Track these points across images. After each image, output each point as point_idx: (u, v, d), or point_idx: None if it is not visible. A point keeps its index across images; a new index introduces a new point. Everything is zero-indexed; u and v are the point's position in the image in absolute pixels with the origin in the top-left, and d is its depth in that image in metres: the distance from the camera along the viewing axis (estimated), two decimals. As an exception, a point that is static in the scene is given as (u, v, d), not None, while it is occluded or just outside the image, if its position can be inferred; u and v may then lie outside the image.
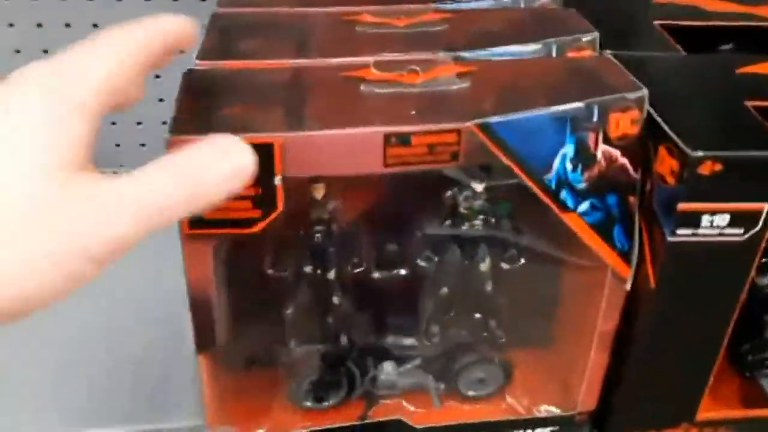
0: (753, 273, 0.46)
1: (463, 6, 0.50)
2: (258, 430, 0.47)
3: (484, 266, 0.44)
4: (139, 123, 0.76)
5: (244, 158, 0.31)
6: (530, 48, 0.43)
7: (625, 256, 0.41)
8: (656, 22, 0.51)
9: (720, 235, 0.37)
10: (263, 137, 0.35)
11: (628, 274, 0.42)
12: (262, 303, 0.46)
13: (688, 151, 0.34)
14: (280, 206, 0.37)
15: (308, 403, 0.48)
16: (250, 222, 0.37)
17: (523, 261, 0.45)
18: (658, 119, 0.37)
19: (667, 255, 0.38)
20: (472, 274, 0.45)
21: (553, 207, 0.39)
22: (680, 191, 0.35)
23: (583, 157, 0.38)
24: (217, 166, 0.30)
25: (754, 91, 0.41)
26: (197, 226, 0.37)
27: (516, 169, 0.38)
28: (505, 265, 0.45)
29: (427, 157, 0.37)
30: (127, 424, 0.52)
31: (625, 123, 0.38)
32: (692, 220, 0.36)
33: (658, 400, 0.47)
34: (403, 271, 0.46)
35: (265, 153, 0.34)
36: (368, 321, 0.48)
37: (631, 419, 0.48)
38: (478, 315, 0.47)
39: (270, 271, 0.45)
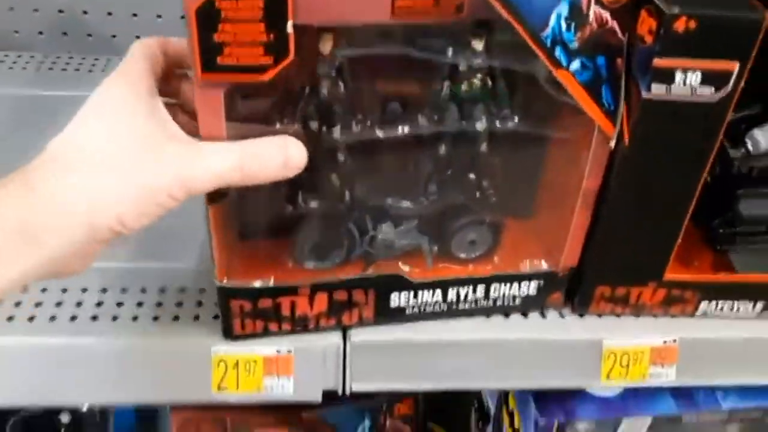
0: (727, 145, 0.51)
1: None
2: (265, 279, 0.50)
3: (480, 125, 0.48)
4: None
5: (293, 155, 0.42)
6: None
7: (611, 115, 0.45)
8: None
9: (692, 94, 0.41)
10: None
11: (613, 131, 0.45)
12: None
13: (665, 8, 0.38)
14: (292, 54, 0.39)
15: (311, 263, 0.52)
16: (262, 69, 0.39)
17: (516, 120, 0.48)
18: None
19: (642, 112, 0.42)
20: (468, 134, 0.49)
21: (548, 64, 0.42)
22: (656, 48, 0.39)
23: (576, 16, 0.42)
24: (272, 160, 0.42)
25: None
26: (210, 69, 0.38)
27: (515, 24, 0.41)
28: (498, 124, 0.48)
29: (433, 9, 0.41)
30: (133, 261, 0.57)
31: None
32: (666, 76, 0.40)
33: (629, 258, 0.52)
34: (405, 129, 0.48)
35: (276, -1, 0.36)
36: (370, 181, 0.51)
37: (603, 275, 0.53)
38: (472, 175, 0.51)
39: (277, 125, 0.46)
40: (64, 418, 0.77)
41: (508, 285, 0.54)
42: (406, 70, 0.48)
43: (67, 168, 0.38)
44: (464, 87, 0.48)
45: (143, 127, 0.39)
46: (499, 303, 0.55)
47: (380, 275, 0.52)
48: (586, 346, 0.55)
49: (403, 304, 0.53)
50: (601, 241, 0.51)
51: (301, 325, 0.52)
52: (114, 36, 0.75)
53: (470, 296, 0.54)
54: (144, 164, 0.38)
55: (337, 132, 0.47)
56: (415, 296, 0.53)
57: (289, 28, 0.39)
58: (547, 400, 0.58)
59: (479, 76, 0.47)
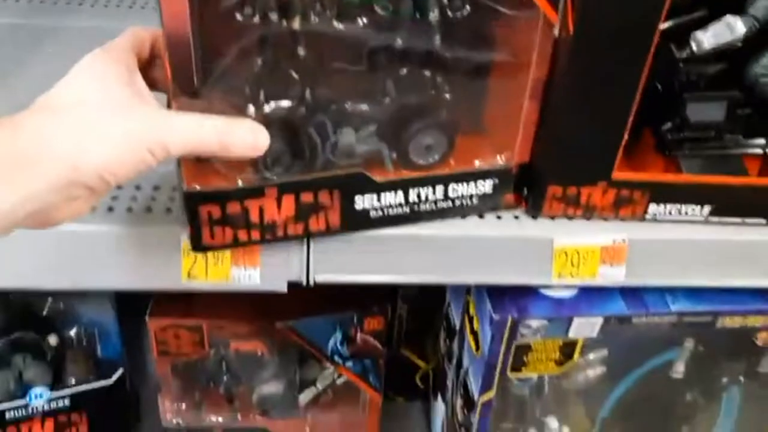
0: (673, 47, 0.53)
1: None
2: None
3: (433, 16, 0.50)
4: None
5: (261, 139, 0.47)
6: None
7: (555, 3, 0.48)
8: None
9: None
10: None
11: (556, 18, 0.48)
12: (234, 52, 0.48)
13: None
14: None
15: (274, 174, 0.52)
16: None
17: (467, 9, 0.50)
18: None
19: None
20: (422, 26, 0.51)
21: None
22: None
23: None
24: (244, 138, 0.46)
25: None
26: None
27: None
28: (450, 14, 0.51)
29: None
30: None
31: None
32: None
33: (576, 155, 0.54)
34: (363, 20, 0.49)
35: None
36: (328, 81, 0.51)
37: (553, 173, 0.56)
38: (427, 72, 0.53)
39: (239, 17, 0.47)
40: (52, 340, 0.80)
41: (465, 184, 0.57)
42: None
43: (54, 114, 0.40)
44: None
45: (125, 90, 0.43)
46: (458, 204, 0.57)
47: (345, 174, 0.54)
48: (537, 245, 0.58)
49: (367, 205, 0.55)
50: (549, 136, 0.54)
51: (270, 232, 0.54)
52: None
53: (430, 197, 0.57)
54: (128, 119, 0.42)
55: (296, 23, 0.49)
56: (379, 198, 0.55)
57: None
58: (502, 298, 0.61)
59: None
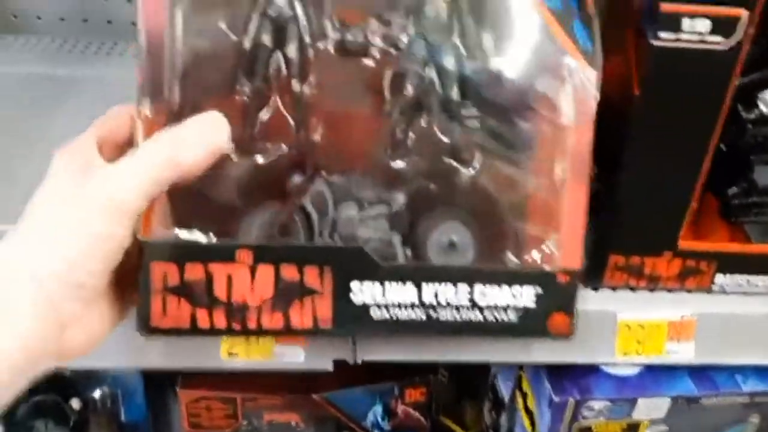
0: (740, 108, 0.50)
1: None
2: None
3: (449, 62, 0.42)
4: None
5: (218, 137, 0.39)
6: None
7: (588, 54, 0.42)
8: None
9: (701, 42, 0.41)
10: None
11: (594, 73, 0.41)
12: (217, 68, 0.42)
13: (671, -48, 0.39)
14: None
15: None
16: None
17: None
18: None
19: (651, 59, 0.42)
20: (437, 73, 0.43)
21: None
22: (660, -4, 0.40)
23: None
24: (196, 147, 0.38)
25: None
26: None
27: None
28: (470, 65, 0.42)
29: None
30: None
31: None
32: (673, 22, 0.40)
33: (641, 224, 0.51)
34: (368, 61, 0.42)
35: None
36: (327, 138, 0.43)
37: (615, 242, 0.52)
38: (446, 139, 0.44)
39: (224, 27, 0.41)
40: (75, 404, 0.77)
41: (497, 287, 0.45)
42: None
43: (15, 233, 0.37)
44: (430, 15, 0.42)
45: (77, 184, 0.38)
46: (489, 317, 0.45)
47: (341, 247, 0.44)
48: (599, 319, 0.54)
49: (368, 299, 0.44)
50: (611, 202, 0.50)
51: (237, 319, 0.43)
52: (134, 24, 0.77)
53: (451, 298, 0.45)
54: (76, 208, 0.37)
55: (292, 50, 0.42)
56: (383, 291, 0.44)
57: None
58: (561, 378, 0.57)
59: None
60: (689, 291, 0.55)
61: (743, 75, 0.50)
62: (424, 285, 0.44)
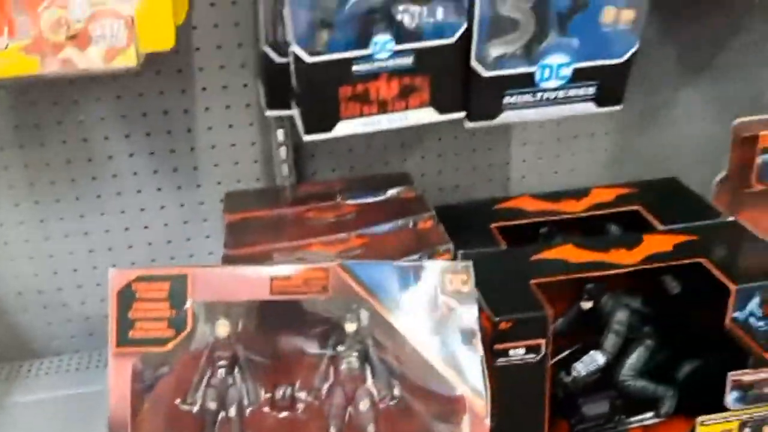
0: (562, 375, 0.75)
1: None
2: None
3: (364, 406, 0.55)
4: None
5: None
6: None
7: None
8: (492, 225, 0.82)
9: (522, 360, 0.66)
10: (179, 269, 0.46)
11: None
12: None
13: (493, 317, 0.64)
14: (190, 326, 0.46)
15: None
16: (164, 341, 0.46)
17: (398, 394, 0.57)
18: (480, 298, 0.67)
19: (495, 376, 0.66)
20: (354, 412, 0.55)
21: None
22: (494, 338, 0.65)
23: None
24: None
25: (536, 273, 0.71)
26: (122, 344, 0.46)
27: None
28: (382, 405, 0.56)
29: (303, 288, 0.51)
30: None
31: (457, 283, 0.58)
32: (503, 353, 0.65)
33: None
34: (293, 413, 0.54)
35: (180, 282, 0.46)
36: None
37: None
38: None
39: (178, 402, 0.51)
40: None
41: None
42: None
43: None
44: (343, 348, 0.56)
45: None
46: None
47: None
48: None
49: None
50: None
51: None
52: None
53: None
54: None
55: (232, 412, 0.53)
56: None
57: (189, 305, 0.47)
58: None
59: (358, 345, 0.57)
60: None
61: (559, 352, 0.76)
62: None
